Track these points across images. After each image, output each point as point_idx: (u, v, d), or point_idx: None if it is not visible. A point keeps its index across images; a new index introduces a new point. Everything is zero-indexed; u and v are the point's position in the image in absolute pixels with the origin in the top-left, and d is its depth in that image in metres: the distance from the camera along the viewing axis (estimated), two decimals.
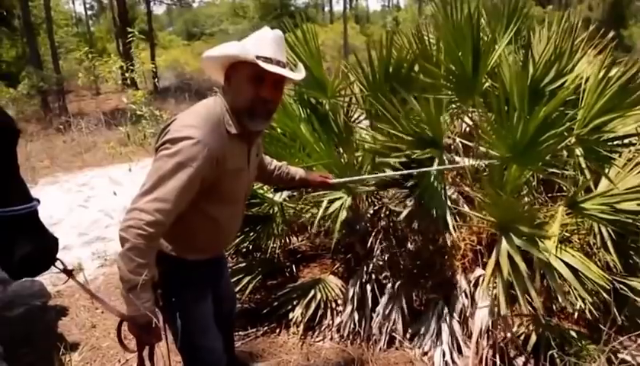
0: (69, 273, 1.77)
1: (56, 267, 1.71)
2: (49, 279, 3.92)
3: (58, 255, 1.70)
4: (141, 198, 1.55)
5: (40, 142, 9.78)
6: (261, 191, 3.27)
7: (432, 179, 2.85)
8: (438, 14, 3.30)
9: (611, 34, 3.31)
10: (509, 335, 2.71)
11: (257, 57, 1.64)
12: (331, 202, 3.00)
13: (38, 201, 1.67)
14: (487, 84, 3.11)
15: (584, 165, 2.76)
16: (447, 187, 2.95)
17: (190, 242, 1.83)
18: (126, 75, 5.44)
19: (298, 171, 2.45)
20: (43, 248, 1.64)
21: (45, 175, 7.48)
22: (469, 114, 3.28)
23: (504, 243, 2.48)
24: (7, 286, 3.87)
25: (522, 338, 2.72)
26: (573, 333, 2.67)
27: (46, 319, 3.48)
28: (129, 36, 5.81)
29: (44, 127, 11.78)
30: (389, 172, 2.95)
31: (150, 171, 1.59)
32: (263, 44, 1.69)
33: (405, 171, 2.84)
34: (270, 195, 3.28)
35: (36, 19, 16.54)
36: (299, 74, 1.81)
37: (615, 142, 2.84)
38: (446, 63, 3.04)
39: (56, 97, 15.24)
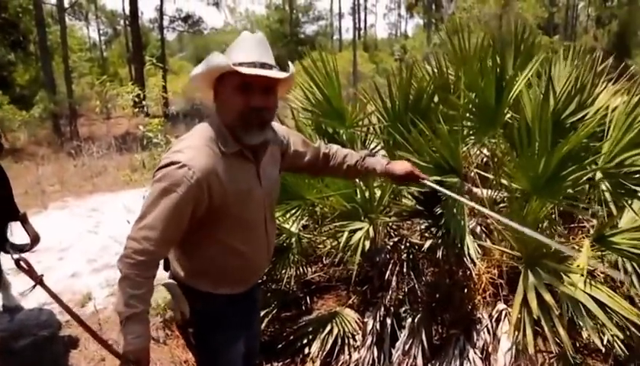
0: (39, 280, 1.68)
1: (19, 268, 1.63)
2: (57, 308, 3.85)
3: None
4: (133, 227, 1.55)
5: (50, 165, 9.81)
6: (277, 222, 3.22)
7: (455, 211, 2.80)
8: (447, 44, 3.32)
9: (623, 64, 3.29)
10: None
11: (240, 64, 1.52)
12: (352, 232, 2.94)
13: None
14: (508, 115, 3.08)
15: (609, 200, 2.71)
16: (468, 219, 2.90)
17: (219, 275, 1.74)
18: (143, 102, 5.46)
19: (368, 162, 2.08)
20: None
21: (55, 200, 7.46)
22: (487, 145, 3.25)
23: (531, 278, 2.43)
24: (14, 315, 3.81)
25: None
26: None
27: (54, 350, 3.40)
28: (147, 63, 5.87)
29: (55, 151, 11.85)
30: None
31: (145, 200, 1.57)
32: (244, 49, 1.57)
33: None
34: (287, 226, 3.23)
35: (52, 44, 16.82)
36: (287, 72, 1.63)
37: None
38: (467, 94, 3.01)
39: (68, 120, 15.41)
